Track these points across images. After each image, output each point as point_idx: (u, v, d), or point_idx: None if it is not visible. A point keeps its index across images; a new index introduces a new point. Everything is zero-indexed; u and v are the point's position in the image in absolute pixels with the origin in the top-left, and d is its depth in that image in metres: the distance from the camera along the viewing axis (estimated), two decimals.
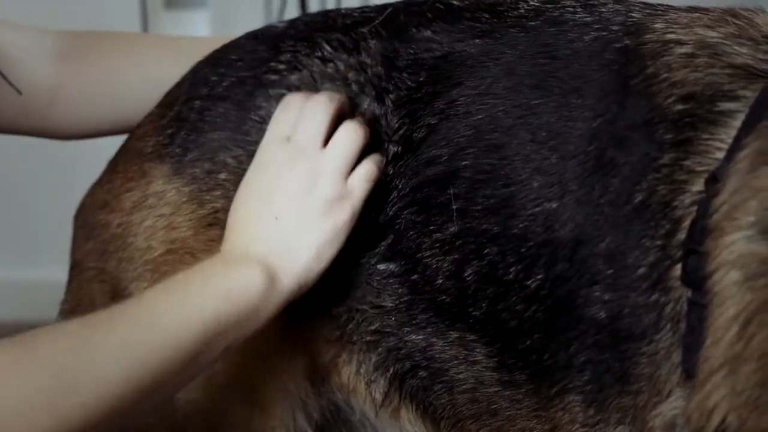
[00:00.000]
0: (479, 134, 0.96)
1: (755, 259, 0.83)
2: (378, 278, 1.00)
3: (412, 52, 1.00)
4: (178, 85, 1.11)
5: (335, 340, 1.03)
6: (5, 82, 1.10)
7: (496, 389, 0.98)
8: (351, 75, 1.02)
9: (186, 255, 1.04)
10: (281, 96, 1.04)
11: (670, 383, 0.89)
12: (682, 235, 0.88)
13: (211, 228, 1.04)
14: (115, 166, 1.12)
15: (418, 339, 1.00)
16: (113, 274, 1.08)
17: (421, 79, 0.99)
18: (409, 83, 0.99)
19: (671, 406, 0.89)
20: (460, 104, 0.97)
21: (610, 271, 0.90)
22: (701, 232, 0.86)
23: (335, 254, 0.96)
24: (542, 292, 0.93)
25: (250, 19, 1.19)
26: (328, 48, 1.03)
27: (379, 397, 1.03)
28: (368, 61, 1.01)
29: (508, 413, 0.99)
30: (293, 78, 1.03)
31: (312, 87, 1.03)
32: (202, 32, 2.09)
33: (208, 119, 1.05)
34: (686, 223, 0.88)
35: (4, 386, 0.80)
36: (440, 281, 0.98)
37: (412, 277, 0.99)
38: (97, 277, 1.09)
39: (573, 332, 0.92)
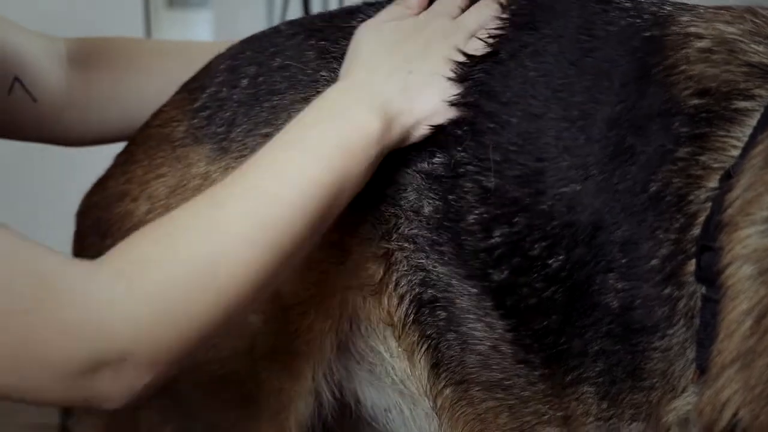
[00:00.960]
0: (525, 92, 0.97)
1: None
2: (422, 177, 1.00)
3: None
4: (203, 71, 1.11)
5: (379, 249, 1.02)
6: (21, 88, 1.12)
7: (511, 363, 0.99)
8: None
9: None
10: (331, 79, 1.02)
11: (684, 379, 0.90)
12: (696, 231, 0.89)
13: None
14: (131, 157, 1.12)
15: (441, 271, 1.00)
16: None
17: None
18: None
19: (685, 402, 0.90)
20: (521, 55, 0.99)
21: (624, 260, 0.91)
22: (715, 227, 0.86)
23: (443, 96, 0.97)
24: (562, 274, 0.93)
25: (252, 19, 1.19)
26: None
27: (400, 324, 1.03)
28: None
29: (521, 393, 0.99)
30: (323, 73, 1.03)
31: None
32: (205, 32, 2.10)
33: (263, 89, 1.05)
34: (701, 219, 0.88)
35: (149, 282, 0.83)
36: (470, 221, 0.98)
37: (449, 197, 0.99)
38: None
39: (588, 319, 0.93)
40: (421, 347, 1.02)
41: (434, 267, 1.00)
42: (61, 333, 0.80)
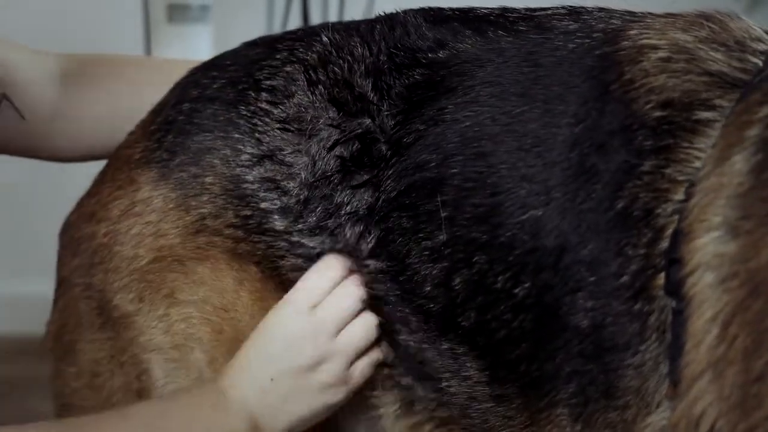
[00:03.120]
0: (466, 142, 0.98)
1: (727, 259, 0.84)
2: (367, 273, 1.03)
3: (408, 54, 1.02)
4: (169, 93, 1.13)
5: None
6: (10, 106, 1.13)
7: (489, 405, 0.99)
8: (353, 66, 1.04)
9: (174, 263, 1.06)
10: (274, 88, 1.05)
11: (658, 395, 0.90)
12: (664, 244, 0.89)
13: (199, 235, 1.06)
14: (103, 176, 1.14)
15: (410, 341, 1.02)
16: (99, 288, 1.09)
17: (414, 81, 1.01)
18: (405, 83, 1.02)
19: (660, 417, 0.89)
20: (448, 111, 0.99)
21: (592, 279, 0.91)
22: (677, 238, 0.87)
23: (321, 420, 1.03)
24: (529, 301, 0.94)
25: (252, 33, 1.19)
26: (326, 40, 1.05)
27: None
28: (368, 54, 1.03)
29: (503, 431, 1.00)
30: (288, 69, 1.05)
31: (302, 77, 1.05)
32: (205, 46, 2.10)
33: (196, 121, 1.07)
34: (668, 232, 0.89)
35: None
36: (428, 288, 0.99)
37: (401, 278, 1.00)
38: (84, 293, 1.11)
39: (559, 341, 0.93)
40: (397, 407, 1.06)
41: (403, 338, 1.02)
42: None
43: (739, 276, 0.83)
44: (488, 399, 0.99)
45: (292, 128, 1.03)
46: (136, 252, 1.07)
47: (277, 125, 1.04)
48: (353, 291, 1.03)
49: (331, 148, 1.02)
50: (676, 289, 0.87)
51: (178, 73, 1.16)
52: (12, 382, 2.08)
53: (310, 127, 1.03)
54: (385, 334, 1.03)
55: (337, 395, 1.03)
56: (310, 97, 1.04)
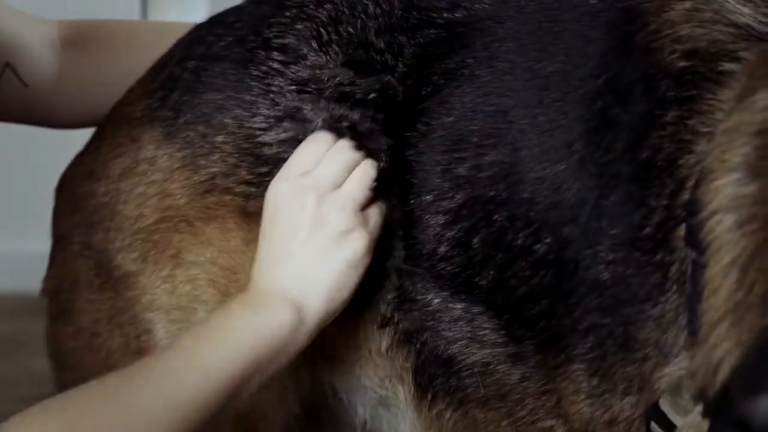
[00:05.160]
0: (486, 98, 0.99)
1: (747, 201, 0.85)
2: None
3: (425, 8, 1.04)
4: (170, 50, 1.13)
5: None
6: (12, 73, 1.13)
7: (506, 367, 1.00)
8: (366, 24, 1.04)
9: (181, 223, 1.06)
10: (285, 47, 1.05)
11: (677, 346, 0.91)
12: (686, 195, 0.91)
13: (208, 194, 1.06)
14: (102, 132, 1.14)
15: (425, 299, 1.02)
16: (99, 248, 1.09)
17: (431, 39, 1.02)
18: (421, 40, 1.02)
19: (677, 367, 0.91)
20: (467, 67, 1.01)
21: (614, 231, 0.93)
22: (697, 181, 0.89)
23: (358, 280, 1.00)
24: (550, 256, 0.95)
25: None
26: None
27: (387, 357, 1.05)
28: (380, 11, 1.04)
29: (517, 396, 1.00)
30: (299, 26, 1.06)
31: (314, 36, 1.04)
32: (201, 11, 2.08)
33: (204, 79, 1.07)
34: (690, 183, 0.91)
35: None
36: (443, 249, 1.00)
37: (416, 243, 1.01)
38: (82, 252, 1.10)
39: (578, 296, 0.94)
40: (412, 379, 1.05)
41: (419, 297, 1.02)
42: None
43: (758, 218, 0.84)
44: (504, 360, 0.99)
45: (309, 89, 1.03)
46: (140, 212, 1.06)
47: (293, 87, 1.04)
48: (346, 148, 1.01)
49: (351, 107, 1.02)
50: (695, 238, 0.88)
51: (175, 37, 1.16)
52: (17, 338, 2.02)
53: (327, 86, 1.03)
54: (400, 306, 1.03)
55: (358, 240, 0.99)
56: (324, 57, 1.04)
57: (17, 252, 2.34)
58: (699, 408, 0.88)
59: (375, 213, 1.02)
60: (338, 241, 0.99)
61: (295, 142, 1.03)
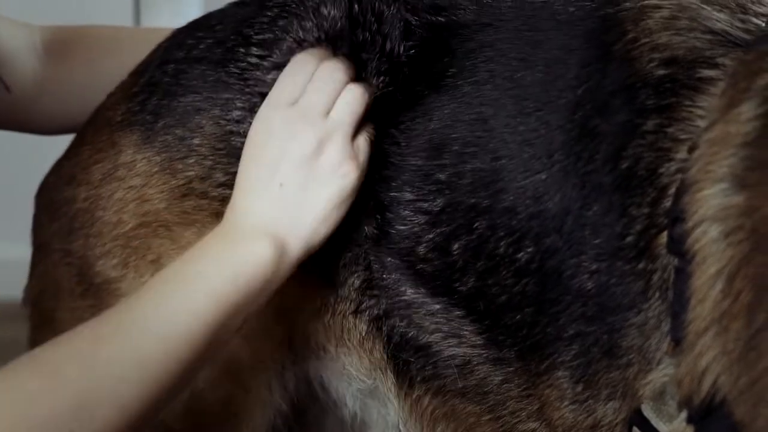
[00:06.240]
0: (467, 106, 0.99)
1: (733, 212, 0.86)
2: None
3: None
4: (151, 53, 1.13)
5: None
6: None
7: (487, 368, 1.00)
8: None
9: (160, 228, 1.05)
10: (265, 41, 1.04)
11: (659, 353, 0.92)
12: (667, 203, 0.92)
13: (186, 198, 1.06)
14: (82, 138, 1.14)
15: (404, 295, 1.02)
16: (80, 254, 1.09)
17: (413, 43, 1.02)
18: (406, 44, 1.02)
19: (661, 374, 0.92)
20: (448, 75, 1.01)
21: (597, 240, 0.94)
22: (680, 191, 0.90)
23: (343, 215, 0.99)
24: (533, 265, 0.96)
25: None
26: None
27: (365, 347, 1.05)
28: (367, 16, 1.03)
29: (498, 396, 1.01)
30: (280, 23, 1.05)
31: (293, 29, 1.03)
32: (194, 12, 2.07)
33: (182, 82, 1.06)
34: (671, 191, 0.92)
35: (31, 416, 0.83)
36: (422, 251, 1.00)
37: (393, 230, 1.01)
38: (63, 259, 1.10)
39: (562, 304, 0.95)
40: (389, 366, 1.05)
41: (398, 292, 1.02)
42: None
43: (744, 229, 0.85)
44: (484, 362, 1.00)
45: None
46: (119, 217, 1.06)
47: (269, 75, 1.02)
48: (332, 70, 0.99)
49: None
50: (678, 246, 0.89)
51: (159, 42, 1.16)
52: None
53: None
54: (368, 290, 1.02)
55: (349, 175, 0.97)
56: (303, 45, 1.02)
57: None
58: (684, 415, 0.90)
59: (364, 143, 0.99)
60: (327, 175, 0.97)
61: None
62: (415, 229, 1.00)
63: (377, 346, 1.04)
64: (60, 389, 0.85)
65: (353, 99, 0.99)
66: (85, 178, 1.07)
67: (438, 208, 0.99)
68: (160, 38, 1.14)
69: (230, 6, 1.12)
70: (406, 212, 1.00)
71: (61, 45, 1.20)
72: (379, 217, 1.01)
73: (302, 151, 0.97)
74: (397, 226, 1.00)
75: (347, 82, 0.99)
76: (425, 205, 1.00)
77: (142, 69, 1.11)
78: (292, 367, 1.07)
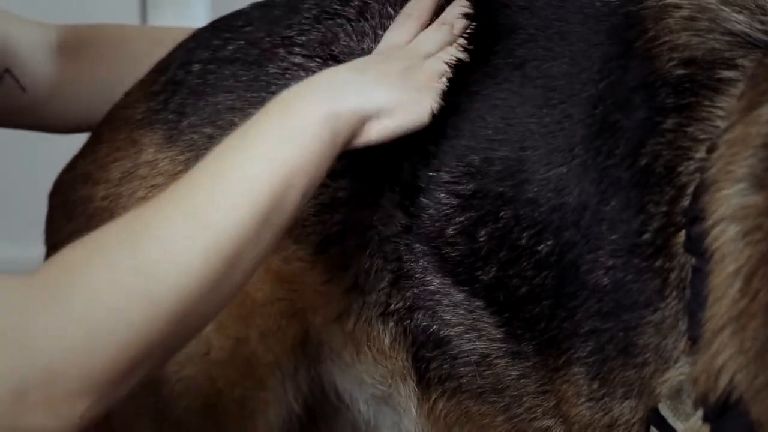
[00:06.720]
0: (495, 93, 1.00)
1: (752, 212, 0.86)
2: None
3: None
4: (171, 53, 1.13)
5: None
6: (11, 78, 1.15)
7: (505, 362, 1.01)
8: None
9: None
10: (307, 42, 1.04)
11: (676, 351, 0.92)
12: (686, 202, 0.92)
13: None
14: (99, 136, 1.14)
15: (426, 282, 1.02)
16: None
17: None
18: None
19: (678, 372, 0.92)
20: (494, 54, 1.01)
21: (614, 236, 0.94)
22: (699, 190, 0.90)
23: (399, 132, 0.97)
24: (552, 258, 0.96)
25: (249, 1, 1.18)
26: None
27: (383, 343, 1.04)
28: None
29: (514, 392, 1.01)
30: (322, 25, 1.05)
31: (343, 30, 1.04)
32: (201, 14, 2.08)
33: (211, 82, 1.06)
34: (690, 190, 0.92)
35: (79, 297, 0.82)
36: (450, 233, 1.00)
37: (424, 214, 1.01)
38: None
39: (578, 299, 0.95)
40: (410, 373, 1.04)
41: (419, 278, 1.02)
42: None
43: (762, 229, 0.85)
44: (503, 356, 1.00)
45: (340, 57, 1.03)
46: None
47: (317, 62, 1.02)
48: (443, 30, 1.01)
49: None
50: (696, 245, 0.90)
51: (175, 42, 1.15)
52: None
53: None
54: (410, 284, 1.02)
55: (426, 102, 0.97)
56: (357, 38, 1.04)
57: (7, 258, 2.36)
58: (700, 413, 0.90)
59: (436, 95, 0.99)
60: (415, 83, 0.97)
61: None
62: (447, 211, 1.00)
63: (401, 354, 1.04)
64: (121, 255, 0.83)
65: (448, 58, 1.00)
66: (103, 177, 1.07)
67: (470, 192, 1.00)
68: (172, 38, 1.15)
69: (253, 7, 1.11)
70: (441, 194, 1.00)
71: (75, 44, 1.21)
72: (409, 203, 1.01)
73: (394, 66, 0.98)
74: (429, 210, 1.01)
75: (453, 41, 1.01)
76: (459, 188, 1.00)
77: (162, 68, 1.11)
78: (307, 369, 1.07)
